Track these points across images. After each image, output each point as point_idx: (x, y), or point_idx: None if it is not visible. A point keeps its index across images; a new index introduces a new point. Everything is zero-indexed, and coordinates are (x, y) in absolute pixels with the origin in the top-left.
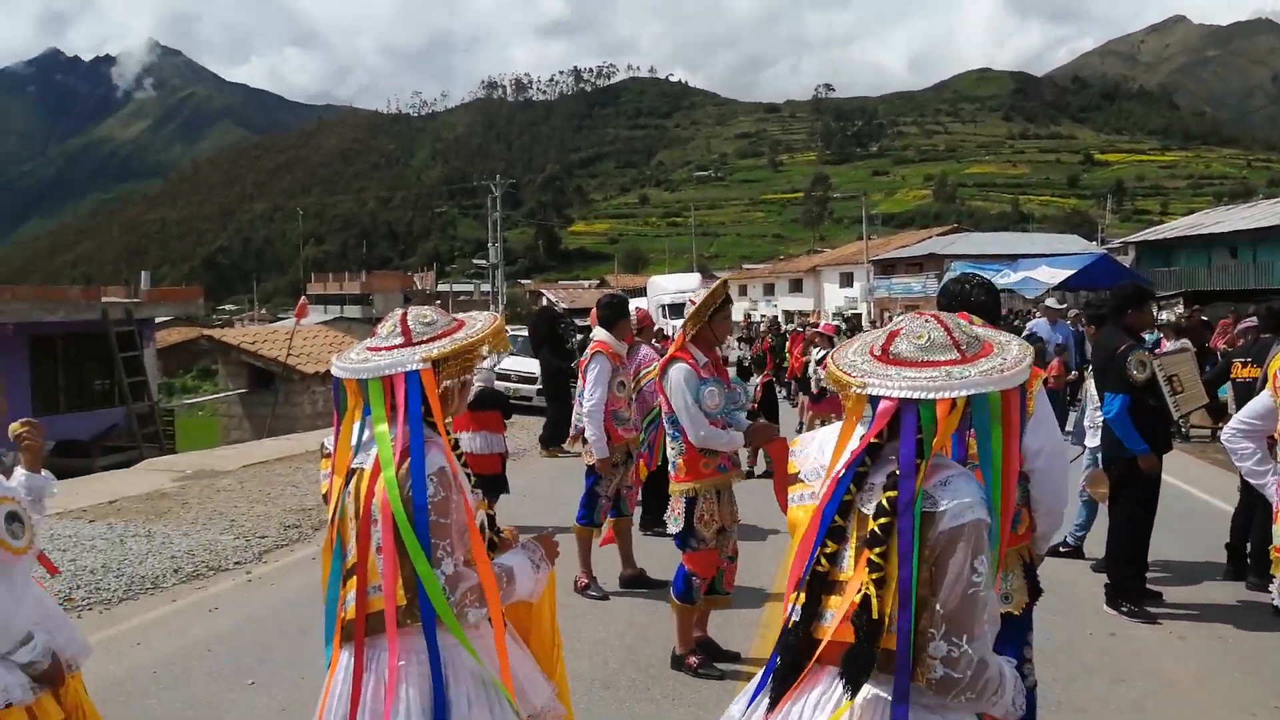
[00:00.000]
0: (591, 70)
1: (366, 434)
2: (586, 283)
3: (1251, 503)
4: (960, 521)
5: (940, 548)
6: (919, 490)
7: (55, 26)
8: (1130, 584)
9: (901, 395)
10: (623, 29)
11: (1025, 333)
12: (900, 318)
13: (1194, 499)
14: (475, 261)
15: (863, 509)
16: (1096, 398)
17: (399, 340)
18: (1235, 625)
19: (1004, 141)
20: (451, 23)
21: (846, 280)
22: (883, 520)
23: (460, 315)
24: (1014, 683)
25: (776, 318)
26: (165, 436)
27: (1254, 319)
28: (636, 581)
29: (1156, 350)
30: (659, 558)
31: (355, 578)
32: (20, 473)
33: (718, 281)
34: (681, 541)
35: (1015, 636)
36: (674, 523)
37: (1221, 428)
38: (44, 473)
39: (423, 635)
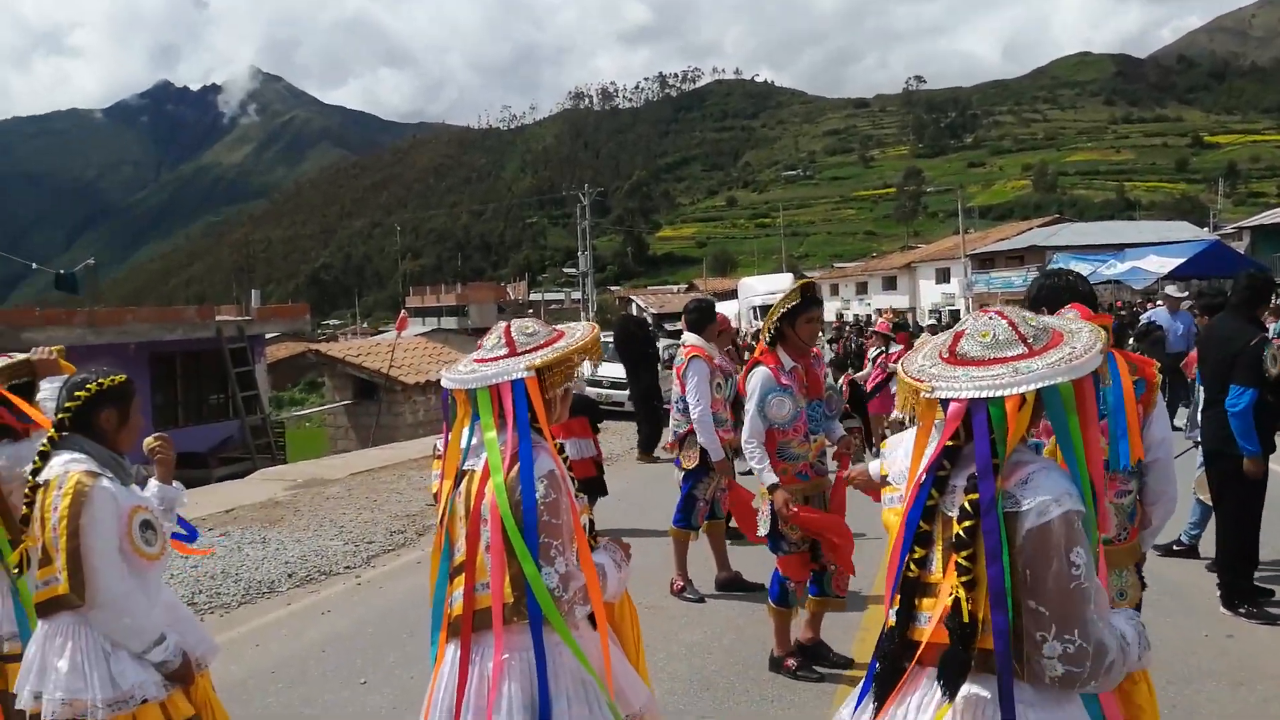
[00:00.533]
0: (676, 75)
1: (475, 439)
2: (675, 287)
3: None
4: (1046, 518)
5: (1030, 548)
6: (999, 490)
7: (165, 59)
8: (1244, 584)
9: (968, 395)
10: (706, 32)
11: (1144, 321)
12: (966, 318)
13: None
14: (565, 270)
15: (947, 512)
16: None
17: (504, 351)
18: None
19: (1106, 127)
20: (537, 35)
21: (943, 276)
22: (967, 524)
23: (560, 326)
24: (1138, 639)
25: (858, 317)
26: (276, 447)
27: None
28: (732, 584)
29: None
30: (754, 561)
31: (463, 575)
32: (153, 484)
33: (798, 283)
34: (773, 545)
35: None
36: (763, 524)
37: None
38: (175, 484)
39: (528, 633)
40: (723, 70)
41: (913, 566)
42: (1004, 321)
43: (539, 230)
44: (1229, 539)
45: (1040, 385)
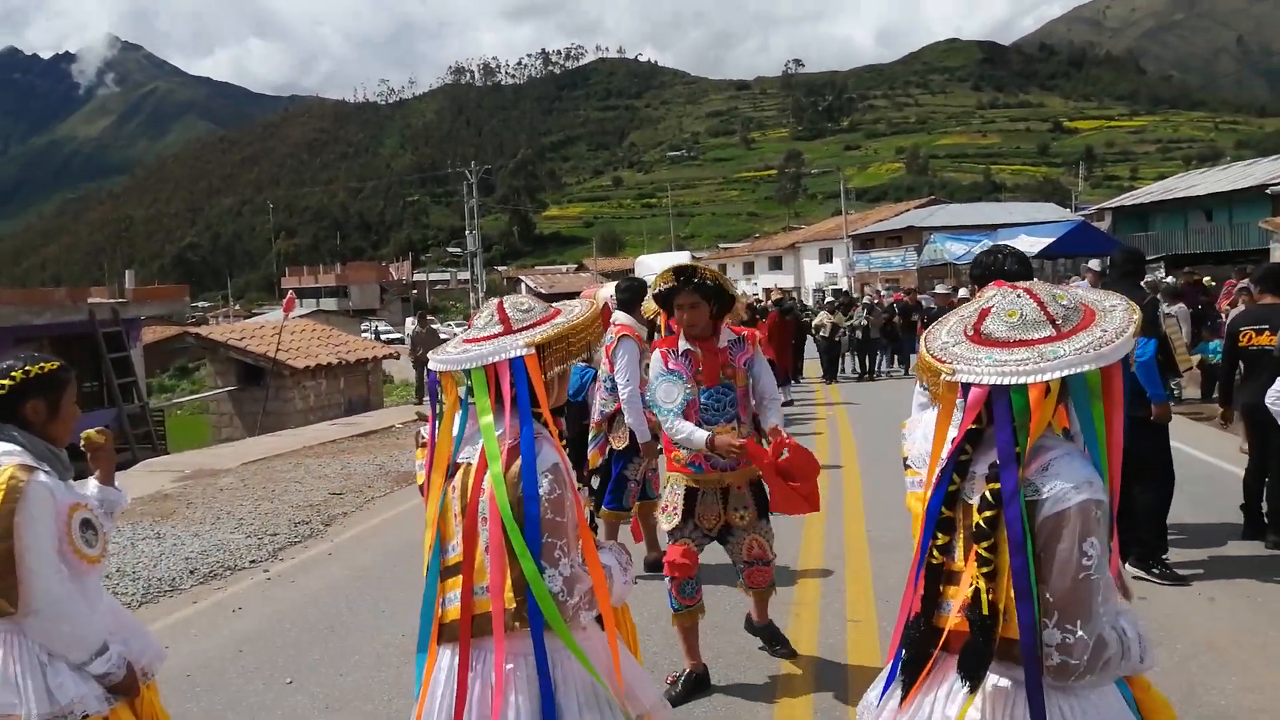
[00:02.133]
0: (560, 52)
1: (469, 427)
2: (564, 267)
3: (1265, 464)
4: (1063, 506)
5: (1045, 535)
6: (1022, 478)
7: (11, 25)
8: (1161, 546)
9: (989, 381)
10: (590, 9)
11: None
12: (993, 293)
13: (1200, 462)
14: (450, 250)
15: (967, 499)
16: None
17: (498, 329)
18: (1261, 583)
19: (974, 111)
20: (416, 8)
21: (826, 256)
22: (988, 513)
23: (556, 304)
24: (1139, 639)
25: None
26: (157, 437)
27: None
28: (660, 565)
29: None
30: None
31: (459, 577)
32: (93, 484)
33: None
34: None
35: None
36: (669, 519)
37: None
38: (117, 485)
39: (531, 639)
40: (606, 49)
41: (936, 554)
42: (1032, 300)
43: (421, 209)
44: (1151, 503)
45: (1066, 373)
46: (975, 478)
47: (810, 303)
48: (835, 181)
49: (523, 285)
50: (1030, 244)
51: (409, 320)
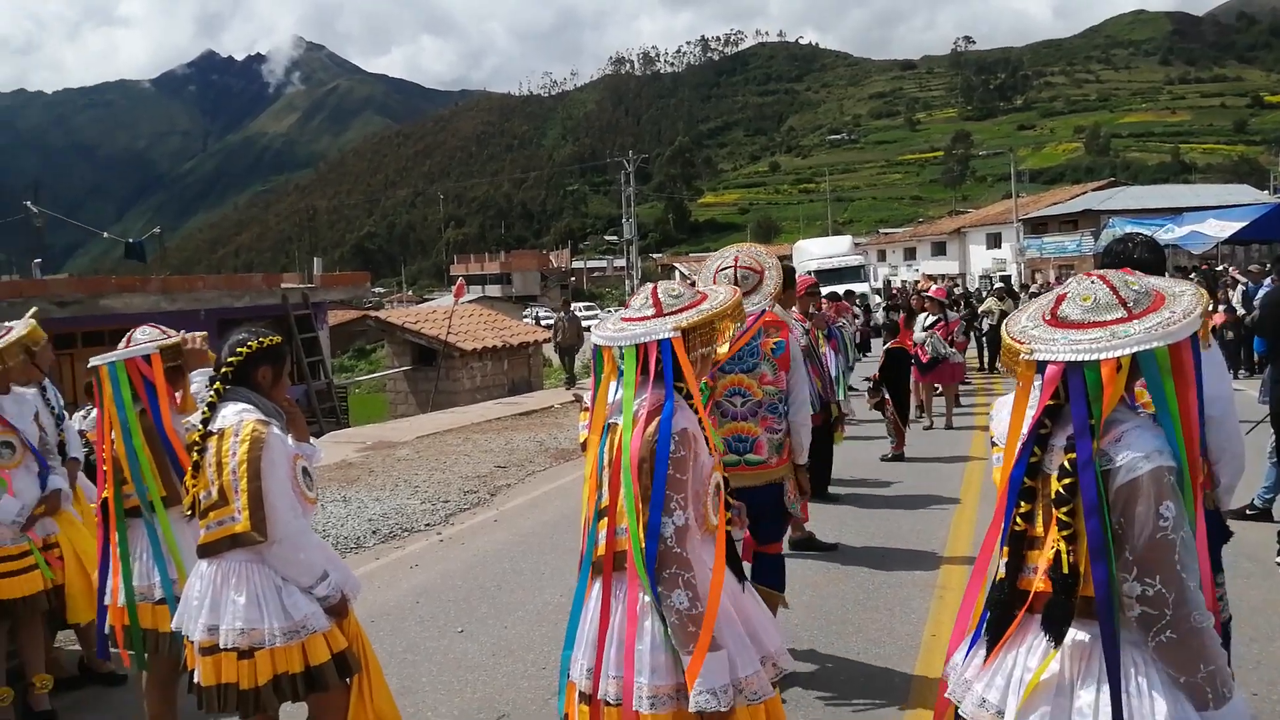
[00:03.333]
0: (719, 38)
1: (620, 394)
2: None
3: None
4: (1135, 474)
5: (1121, 501)
6: (1096, 448)
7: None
8: None
9: (1064, 359)
10: None
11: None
12: (1069, 280)
13: None
14: (607, 238)
15: (1047, 470)
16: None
17: (651, 312)
18: None
19: (1162, 88)
20: (579, 1)
21: (994, 241)
22: (1066, 481)
23: (703, 289)
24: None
25: (905, 283)
26: (340, 412)
27: None
28: (806, 544)
29: None
30: (824, 521)
31: (606, 519)
32: (290, 441)
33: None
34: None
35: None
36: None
37: None
38: (312, 442)
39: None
40: (766, 33)
41: (1019, 520)
42: (1105, 285)
43: (580, 198)
44: None
45: (1136, 349)
46: (1054, 450)
47: (979, 288)
48: (1006, 163)
49: (676, 272)
50: (1219, 228)
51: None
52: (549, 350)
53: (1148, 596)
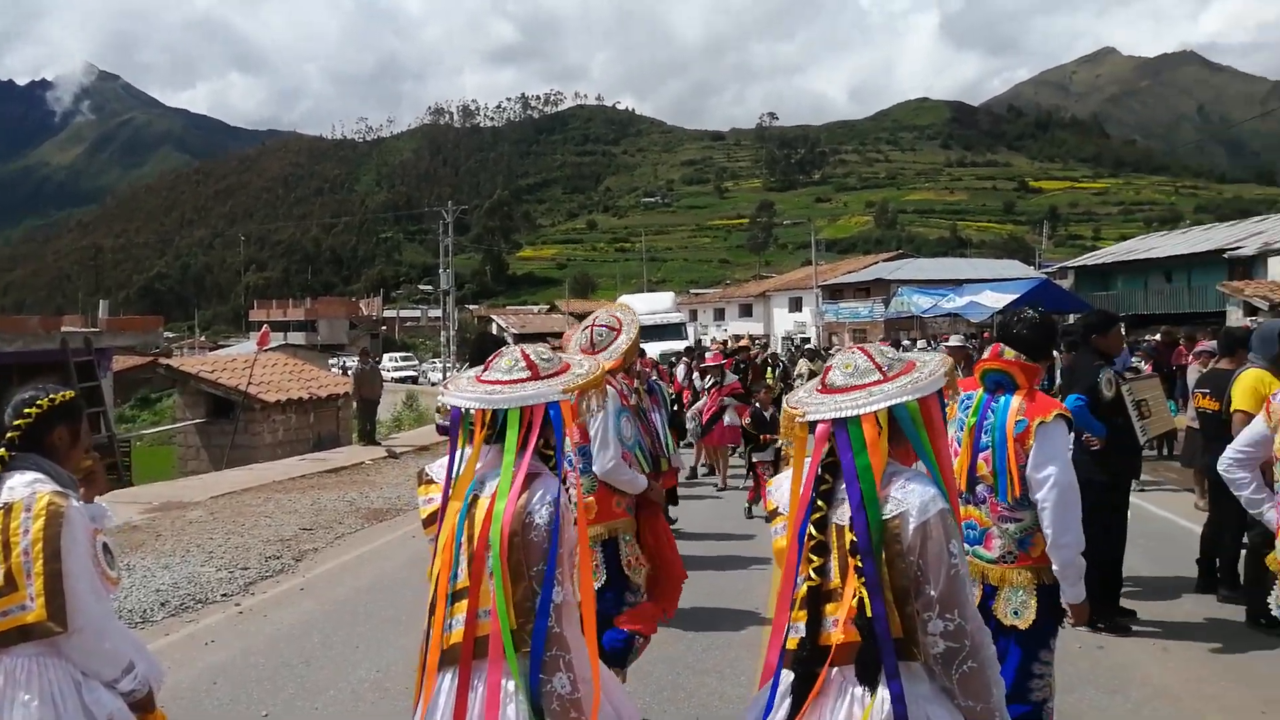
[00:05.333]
0: (539, 97)
1: (482, 463)
2: (536, 307)
3: (1221, 518)
4: (926, 516)
5: (919, 543)
6: (868, 495)
7: None
8: (1111, 604)
9: (829, 416)
10: (572, 57)
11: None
12: (836, 356)
13: (1156, 517)
14: (421, 287)
15: (838, 521)
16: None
17: (526, 374)
18: (1214, 636)
19: (942, 169)
20: (401, 48)
21: (795, 305)
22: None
23: (566, 358)
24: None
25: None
26: (123, 468)
27: (1210, 343)
28: None
29: (1127, 374)
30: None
31: (466, 601)
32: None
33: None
34: (616, 599)
35: (1025, 650)
36: (601, 573)
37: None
38: (101, 504)
39: (529, 660)
40: (585, 95)
41: (813, 575)
42: (863, 354)
43: (394, 245)
44: (1097, 559)
45: (888, 404)
46: (841, 502)
47: (780, 350)
48: (806, 232)
49: (494, 324)
50: (995, 300)
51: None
52: None
53: (949, 631)
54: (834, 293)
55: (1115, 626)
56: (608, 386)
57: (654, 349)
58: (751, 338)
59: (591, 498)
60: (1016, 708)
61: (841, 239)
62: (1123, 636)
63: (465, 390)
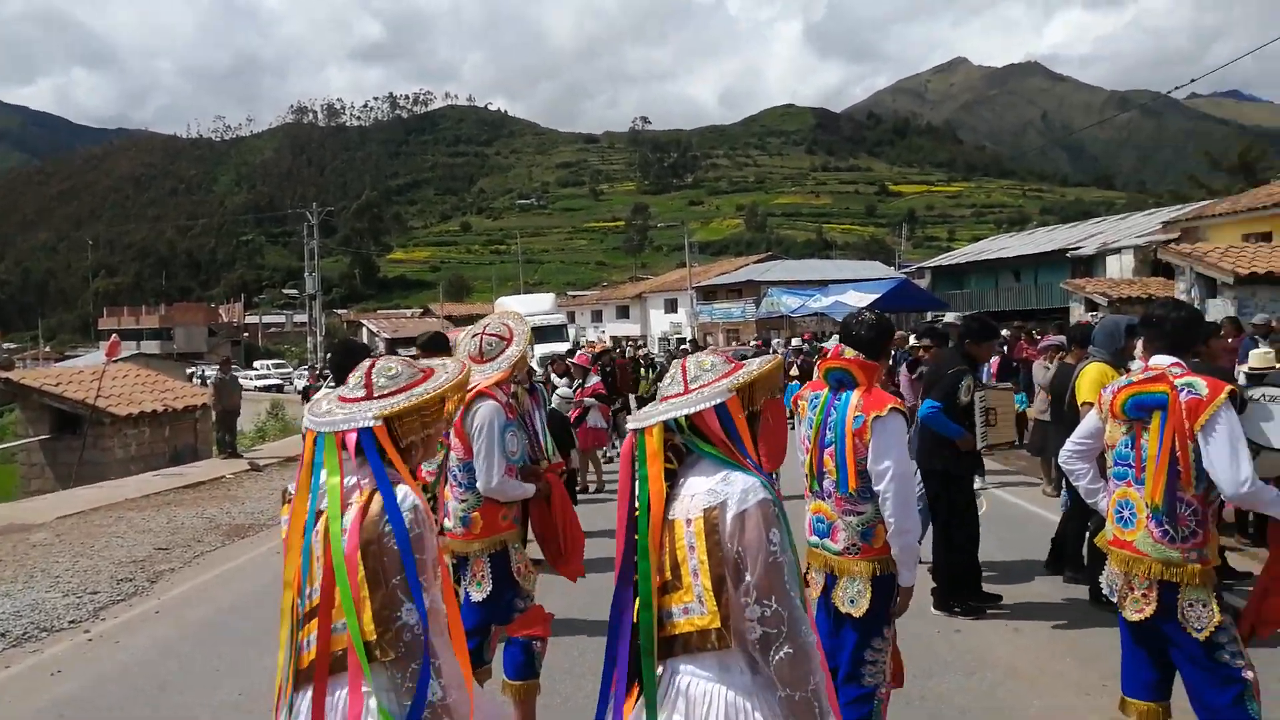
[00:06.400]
0: (408, 97)
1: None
2: (409, 311)
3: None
4: (746, 504)
5: (738, 530)
6: (641, 502)
7: None
8: (965, 585)
9: (632, 427)
10: (442, 56)
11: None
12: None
13: (1008, 504)
14: (286, 291)
15: (670, 517)
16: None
17: (361, 393)
18: (1061, 616)
19: (808, 173)
20: (261, 45)
21: (671, 306)
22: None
23: (433, 363)
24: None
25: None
26: None
27: (1058, 338)
28: None
29: (986, 382)
30: None
31: (318, 618)
32: None
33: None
34: (507, 607)
35: (860, 636)
36: (477, 588)
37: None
38: None
39: (386, 671)
40: (456, 96)
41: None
42: (680, 366)
43: (256, 248)
44: (954, 550)
45: (663, 419)
46: (675, 500)
47: (657, 350)
48: (680, 235)
49: (364, 329)
50: (859, 299)
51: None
52: None
53: (766, 617)
54: (708, 294)
55: (970, 610)
56: (491, 400)
57: (537, 351)
58: (629, 339)
59: (477, 513)
60: (851, 690)
61: (714, 241)
62: (978, 619)
63: (315, 409)
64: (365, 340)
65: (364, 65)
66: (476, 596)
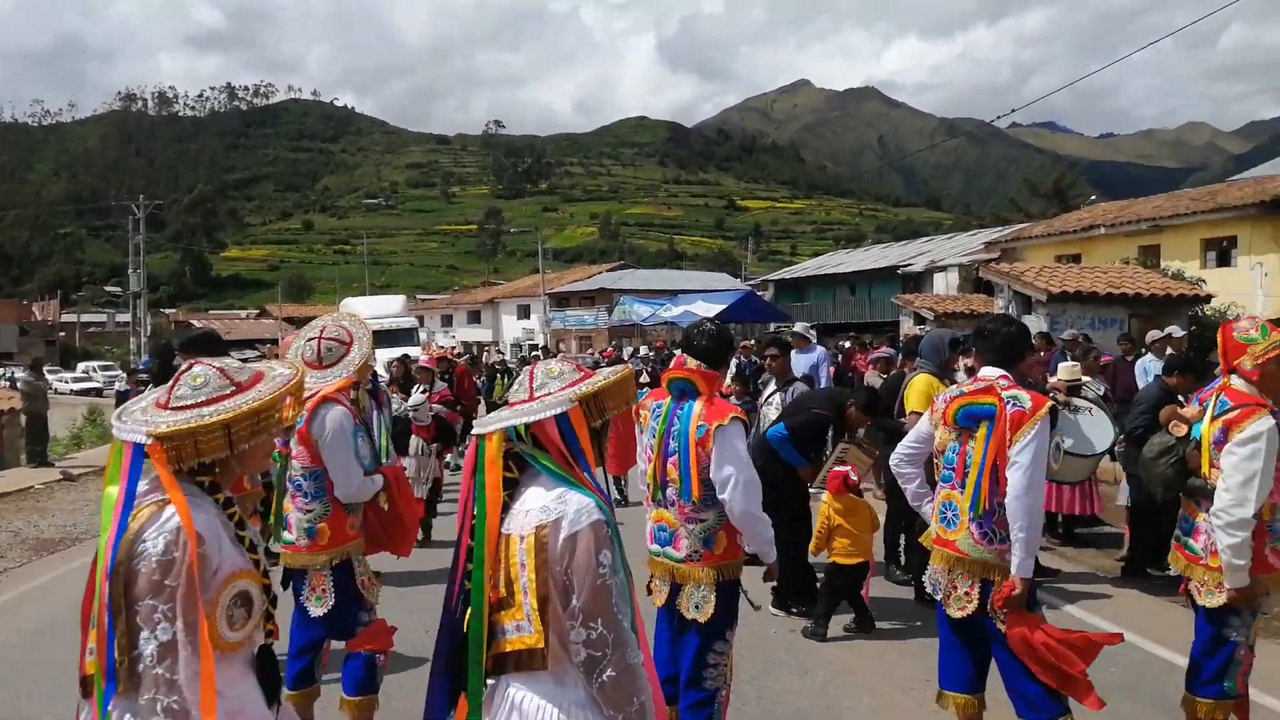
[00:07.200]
0: (247, 88)
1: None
2: (244, 312)
3: (894, 506)
4: (578, 526)
5: (568, 553)
6: (479, 512)
7: None
8: (798, 586)
9: (476, 432)
10: (285, 49)
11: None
12: (538, 366)
13: None
14: (108, 289)
15: (505, 531)
16: None
17: (164, 400)
18: (888, 615)
19: (660, 185)
20: (86, 27)
21: (524, 312)
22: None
23: (261, 367)
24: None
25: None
26: None
27: (888, 350)
28: None
29: (849, 438)
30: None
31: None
32: None
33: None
34: (350, 620)
35: (703, 641)
36: (317, 602)
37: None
38: None
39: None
40: (299, 90)
41: (492, 589)
42: (528, 373)
43: (75, 242)
44: (783, 551)
45: (501, 426)
46: (512, 515)
47: (509, 357)
48: (533, 241)
49: (194, 329)
50: (706, 309)
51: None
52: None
53: (591, 640)
54: (561, 301)
55: (806, 612)
56: (339, 406)
57: (385, 356)
58: (479, 345)
59: (324, 524)
60: (692, 694)
61: (568, 248)
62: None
63: (127, 412)
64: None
65: (200, 53)
66: (316, 611)
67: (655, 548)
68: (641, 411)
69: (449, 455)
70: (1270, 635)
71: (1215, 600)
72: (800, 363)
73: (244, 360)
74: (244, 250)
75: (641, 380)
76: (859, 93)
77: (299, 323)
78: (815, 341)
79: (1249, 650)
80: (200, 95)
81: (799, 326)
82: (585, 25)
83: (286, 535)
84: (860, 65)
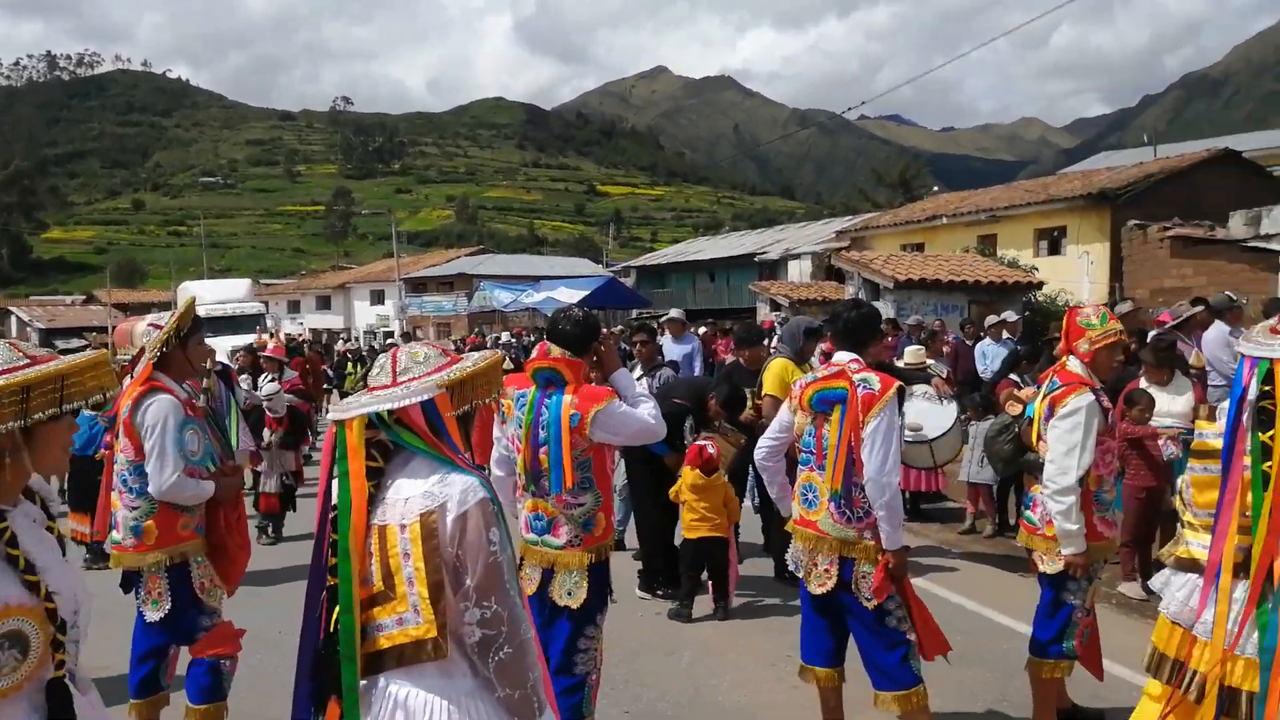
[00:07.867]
0: (70, 57)
1: None
2: (69, 298)
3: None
4: (466, 506)
5: (458, 533)
6: (342, 502)
7: None
8: (664, 569)
9: (335, 418)
10: (111, 15)
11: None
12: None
13: None
14: None
15: (377, 523)
16: None
17: None
18: (750, 592)
19: (519, 168)
20: None
21: (378, 298)
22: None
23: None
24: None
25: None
26: None
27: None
28: None
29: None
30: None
31: None
32: None
33: (187, 298)
34: (189, 625)
35: (574, 626)
36: (153, 606)
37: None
38: None
39: None
40: (128, 60)
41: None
42: (391, 357)
43: None
44: (651, 530)
45: (363, 411)
46: (381, 504)
47: (363, 344)
48: (386, 223)
49: (14, 318)
50: (569, 295)
51: None
52: None
53: (486, 619)
54: (417, 286)
55: (671, 594)
56: (167, 395)
57: (228, 343)
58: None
59: (151, 521)
60: (562, 680)
61: (423, 232)
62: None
63: None
64: (14, 330)
65: (15, 18)
66: (152, 616)
67: (532, 536)
68: (504, 400)
69: (305, 447)
70: (1121, 609)
71: (1054, 567)
72: (674, 351)
73: (68, 350)
74: (68, 231)
75: (505, 365)
76: (715, 81)
77: (131, 309)
78: (691, 330)
79: (1086, 612)
80: (16, 63)
81: (674, 313)
82: (440, 2)
83: (114, 534)
84: (716, 54)
